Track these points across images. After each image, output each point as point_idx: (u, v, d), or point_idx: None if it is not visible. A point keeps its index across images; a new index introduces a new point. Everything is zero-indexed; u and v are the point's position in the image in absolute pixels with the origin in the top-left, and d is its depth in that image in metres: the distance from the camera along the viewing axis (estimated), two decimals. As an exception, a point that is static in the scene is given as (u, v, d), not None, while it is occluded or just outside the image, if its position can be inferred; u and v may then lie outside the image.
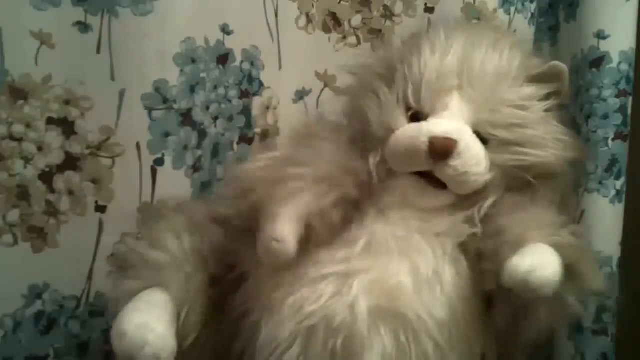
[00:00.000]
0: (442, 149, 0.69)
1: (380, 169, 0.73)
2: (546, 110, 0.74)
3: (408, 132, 0.71)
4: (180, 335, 0.66)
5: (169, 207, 0.81)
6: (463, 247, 0.71)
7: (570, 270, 0.64)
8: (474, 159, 0.70)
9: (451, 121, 0.71)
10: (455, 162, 0.69)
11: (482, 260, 0.68)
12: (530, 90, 0.74)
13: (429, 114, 0.72)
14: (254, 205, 0.66)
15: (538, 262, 0.62)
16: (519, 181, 0.73)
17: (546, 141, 0.73)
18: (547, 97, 0.75)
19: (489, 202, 0.72)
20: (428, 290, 0.67)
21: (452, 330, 0.67)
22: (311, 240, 0.67)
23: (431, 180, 0.71)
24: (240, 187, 0.70)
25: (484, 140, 0.72)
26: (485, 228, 0.70)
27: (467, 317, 0.68)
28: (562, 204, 0.79)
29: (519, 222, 0.68)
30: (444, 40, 0.75)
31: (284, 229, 0.64)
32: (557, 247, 0.64)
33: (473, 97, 0.72)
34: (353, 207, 0.71)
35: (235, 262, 0.72)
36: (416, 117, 0.73)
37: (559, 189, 0.78)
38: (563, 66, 0.76)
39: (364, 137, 0.75)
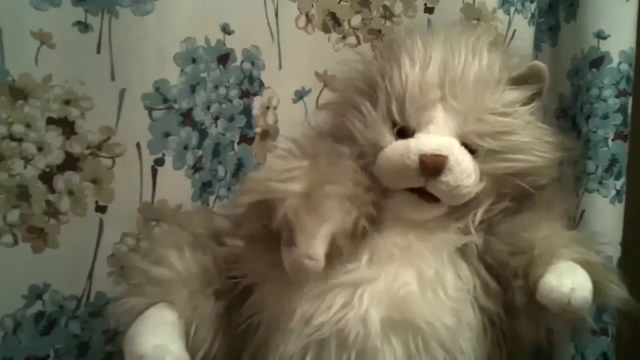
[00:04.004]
0: (433, 167, 0.68)
1: (375, 186, 0.72)
2: (530, 114, 0.74)
3: (397, 151, 0.70)
4: (190, 352, 0.66)
5: (168, 218, 0.81)
6: (461, 252, 0.71)
7: (596, 287, 0.65)
8: (464, 173, 0.70)
9: (439, 136, 0.71)
10: (446, 178, 0.68)
11: (512, 276, 0.68)
12: (513, 95, 0.73)
13: (415, 129, 0.72)
14: (285, 217, 0.64)
15: (577, 283, 0.63)
16: (509, 187, 0.73)
17: (533, 145, 0.73)
18: (530, 99, 0.74)
19: (481, 209, 0.72)
20: (433, 296, 0.67)
21: (459, 335, 0.67)
22: (332, 256, 0.66)
23: (424, 194, 0.70)
24: (267, 196, 0.67)
25: (472, 151, 0.71)
26: (513, 242, 0.70)
27: (473, 320, 0.69)
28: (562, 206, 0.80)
29: (546, 239, 0.68)
30: (422, 50, 0.74)
31: (320, 248, 0.63)
32: (586, 265, 0.65)
33: (457, 108, 0.71)
34: (370, 223, 0.70)
35: (239, 275, 0.72)
36: (402, 132, 0.72)
37: (558, 194, 0.78)
38: (543, 65, 0.76)
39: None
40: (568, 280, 0.63)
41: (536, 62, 0.77)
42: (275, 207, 0.65)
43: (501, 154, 0.72)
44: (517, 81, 0.74)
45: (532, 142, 0.73)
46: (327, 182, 0.67)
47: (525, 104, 0.74)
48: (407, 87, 0.72)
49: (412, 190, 0.71)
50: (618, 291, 0.69)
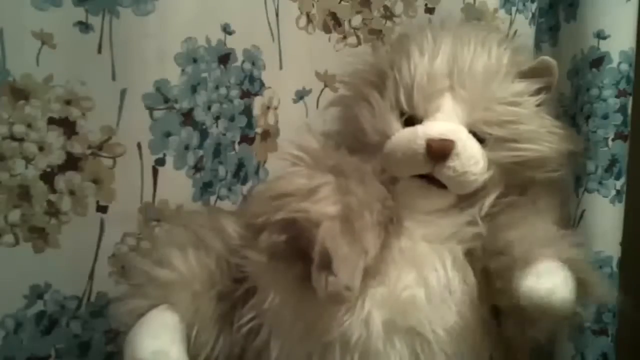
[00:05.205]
0: (440, 150, 0.68)
1: (382, 177, 0.72)
2: (538, 105, 0.74)
3: (404, 137, 0.71)
4: (191, 355, 0.66)
5: (169, 218, 0.81)
6: (469, 253, 0.70)
7: (579, 284, 0.64)
8: (472, 159, 0.70)
9: (446, 122, 0.71)
10: (453, 163, 0.69)
11: (493, 278, 0.67)
12: (521, 86, 0.74)
13: (423, 117, 0.72)
14: (322, 243, 0.62)
15: (557, 283, 0.62)
16: (517, 178, 0.73)
17: (541, 135, 0.73)
18: (537, 91, 0.75)
19: (489, 200, 0.72)
20: (440, 301, 0.67)
21: (462, 339, 0.67)
22: None
23: (432, 180, 0.71)
24: (297, 216, 0.65)
25: (480, 139, 0.72)
26: (492, 243, 0.69)
27: (475, 324, 0.68)
28: (562, 204, 0.80)
29: (527, 238, 0.67)
30: (431, 42, 0.75)
31: (359, 280, 0.63)
32: (568, 263, 0.64)
33: (465, 97, 0.72)
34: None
35: (241, 276, 0.72)
36: (410, 121, 0.72)
37: (558, 190, 0.78)
38: (552, 60, 0.77)
39: (358, 145, 0.75)
40: (547, 282, 0.61)
41: (546, 57, 0.77)
42: (307, 229, 0.64)
43: (508, 142, 0.72)
44: (526, 75, 0.75)
45: (539, 131, 0.73)
46: (363, 207, 0.65)
47: (533, 95, 0.74)
48: (415, 76, 0.72)
49: (420, 177, 0.71)
50: (601, 284, 0.68)
